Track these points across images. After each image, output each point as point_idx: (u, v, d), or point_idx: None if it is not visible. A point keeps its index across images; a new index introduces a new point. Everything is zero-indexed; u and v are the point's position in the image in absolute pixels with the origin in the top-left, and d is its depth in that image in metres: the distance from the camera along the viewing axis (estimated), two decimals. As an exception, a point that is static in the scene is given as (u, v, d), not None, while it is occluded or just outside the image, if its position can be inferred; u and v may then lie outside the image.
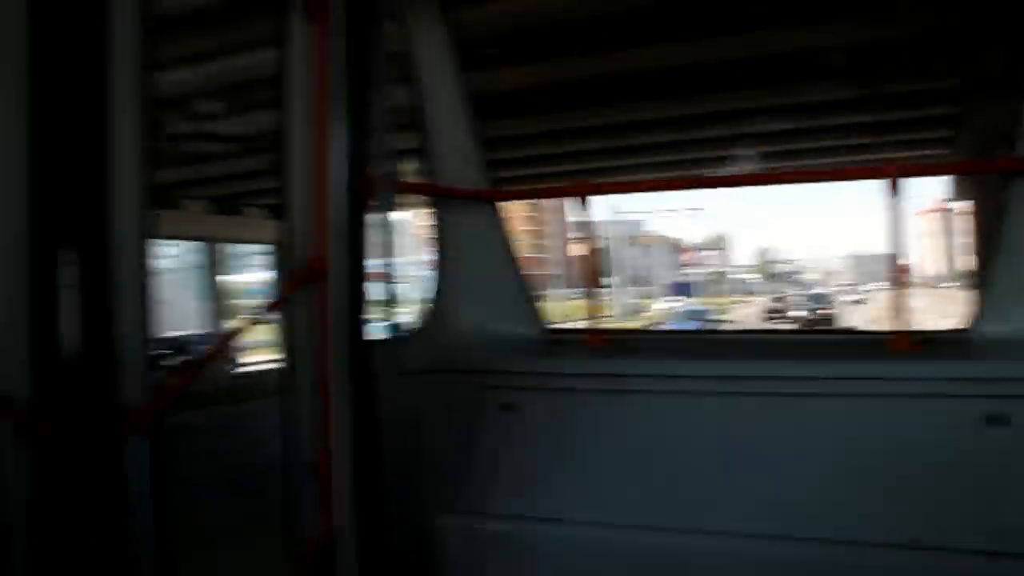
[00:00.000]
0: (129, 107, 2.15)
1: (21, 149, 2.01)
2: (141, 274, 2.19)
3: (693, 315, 36.35)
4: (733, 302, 56.26)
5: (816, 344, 4.12)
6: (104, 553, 2.06)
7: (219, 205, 20.61)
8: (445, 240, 3.54)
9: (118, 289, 2.13)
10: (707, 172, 16.82)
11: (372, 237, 2.86)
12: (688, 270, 67.07)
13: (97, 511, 2.05)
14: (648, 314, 44.15)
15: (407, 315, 3.46)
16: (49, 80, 2.04)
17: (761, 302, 49.26)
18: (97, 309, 2.10)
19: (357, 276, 2.78)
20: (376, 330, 2.83)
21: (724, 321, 38.57)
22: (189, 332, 19.08)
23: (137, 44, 2.16)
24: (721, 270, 69.30)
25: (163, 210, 19.17)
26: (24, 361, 2.00)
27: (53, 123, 2.06)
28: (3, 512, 1.97)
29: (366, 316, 2.82)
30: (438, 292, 3.52)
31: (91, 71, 2.11)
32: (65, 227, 2.08)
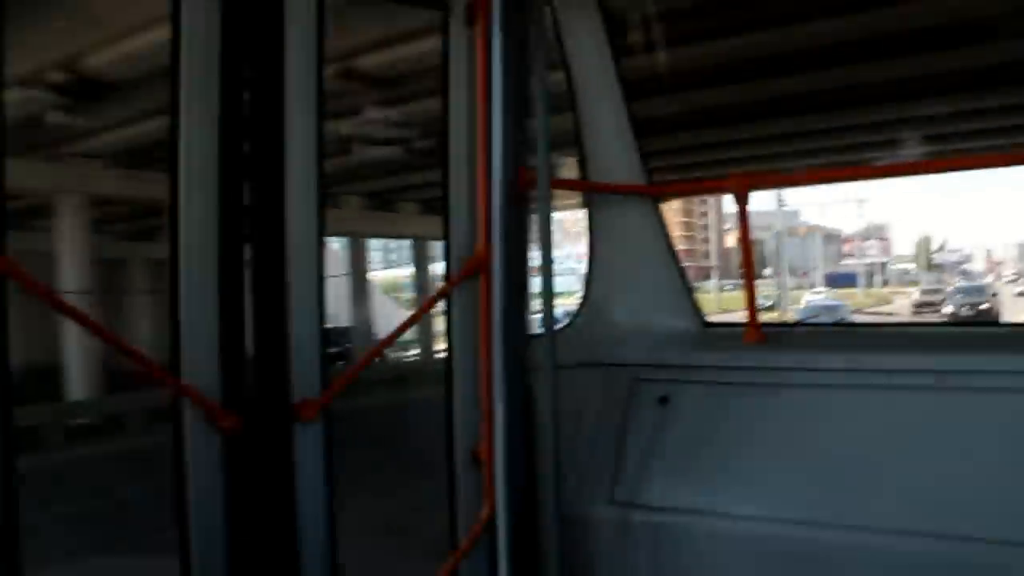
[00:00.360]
0: (304, 124, 2.15)
1: (212, 162, 2.03)
2: (314, 273, 2.17)
3: (824, 311, 28.71)
4: (893, 293, 52.36)
5: (980, 337, 3.63)
6: (276, 532, 2.06)
7: (426, 207, 21.89)
8: (601, 234, 3.30)
9: (293, 287, 2.11)
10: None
11: (531, 232, 2.75)
12: (847, 261, 62.92)
13: (271, 496, 2.05)
14: (797, 306, 41.50)
15: (563, 309, 3.32)
16: (236, 99, 2.06)
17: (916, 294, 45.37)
18: (273, 306, 2.09)
19: (517, 270, 2.66)
20: (534, 323, 2.71)
21: (867, 315, 34.31)
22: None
23: (313, 70, 2.16)
24: (881, 260, 64.48)
25: (379, 212, 20.77)
26: (213, 354, 2.02)
27: (238, 134, 2.07)
28: (204, 498, 1.99)
29: (526, 309, 2.71)
30: (594, 286, 3.29)
31: (272, 86, 2.11)
32: (247, 231, 2.09)
